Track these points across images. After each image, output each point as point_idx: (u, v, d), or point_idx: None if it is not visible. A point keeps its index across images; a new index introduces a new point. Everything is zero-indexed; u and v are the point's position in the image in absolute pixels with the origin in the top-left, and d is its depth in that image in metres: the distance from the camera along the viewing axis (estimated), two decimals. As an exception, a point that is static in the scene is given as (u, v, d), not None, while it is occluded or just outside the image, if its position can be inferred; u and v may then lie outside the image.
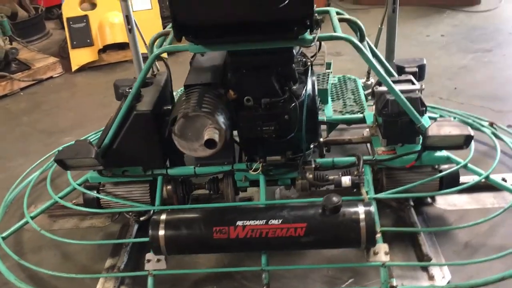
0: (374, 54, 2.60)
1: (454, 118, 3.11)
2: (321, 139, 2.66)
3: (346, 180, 2.33)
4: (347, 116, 2.91)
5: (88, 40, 4.97)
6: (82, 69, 5.04)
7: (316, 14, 2.28)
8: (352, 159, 2.44)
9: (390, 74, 2.66)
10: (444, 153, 2.38)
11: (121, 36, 4.85)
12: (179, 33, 2.01)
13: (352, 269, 2.32)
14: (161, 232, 2.12)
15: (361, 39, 2.48)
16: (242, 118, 2.28)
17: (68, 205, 2.61)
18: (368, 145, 2.83)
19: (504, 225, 2.48)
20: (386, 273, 2.10)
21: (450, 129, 2.22)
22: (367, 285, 2.24)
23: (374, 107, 2.65)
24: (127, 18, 2.99)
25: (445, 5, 5.63)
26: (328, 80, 3.00)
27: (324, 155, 2.68)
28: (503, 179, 2.60)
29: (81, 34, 4.96)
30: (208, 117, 2.08)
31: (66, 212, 2.85)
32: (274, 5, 1.89)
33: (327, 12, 2.50)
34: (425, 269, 2.26)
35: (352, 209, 2.09)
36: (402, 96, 2.27)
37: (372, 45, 2.67)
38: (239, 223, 2.09)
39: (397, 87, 2.31)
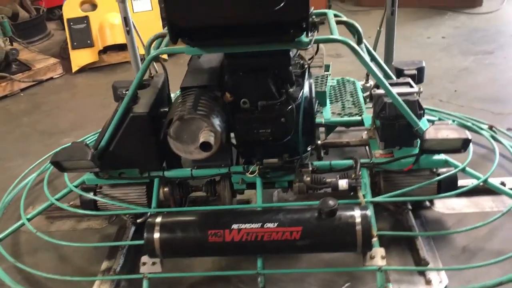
0: (372, 57, 2.58)
1: (453, 121, 3.09)
2: (319, 142, 2.66)
3: (343, 183, 2.32)
4: (346, 118, 2.89)
5: (89, 41, 4.97)
6: (83, 70, 5.05)
7: (314, 16, 2.28)
8: (350, 162, 2.42)
9: (388, 76, 2.65)
10: (442, 156, 2.37)
11: (122, 37, 4.82)
12: (175, 35, 2.00)
13: (349, 273, 2.30)
14: (156, 235, 2.12)
15: (359, 42, 2.47)
16: (239, 120, 2.28)
17: (64, 207, 2.61)
18: (367, 147, 2.81)
19: (502, 229, 2.46)
20: (383, 278, 2.08)
21: (447, 132, 2.21)
22: (364, 289, 2.23)
23: (372, 109, 2.64)
24: (125, 20, 2.97)
25: (446, 7, 5.62)
26: (326, 82, 2.99)
27: (322, 157, 2.68)
28: (502, 183, 2.58)
29: (82, 35, 4.96)
30: (204, 119, 2.07)
31: (64, 213, 2.84)
32: (269, 8, 1.88)
33: (325, 14, 2.48)
34: (422, 273, 2.24)
35: (348, 213, 2.08)
36: (400, 99, 2.25)
37: (370, 48, 2.65)
38: (235, 226, 2.08)
39: (395, 90, 2.30)
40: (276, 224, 2.07)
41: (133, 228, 2.64)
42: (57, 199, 2.66)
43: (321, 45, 2.90)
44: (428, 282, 2.19)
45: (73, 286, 2.37)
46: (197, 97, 2.14)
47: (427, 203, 2.65)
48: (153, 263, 2.22)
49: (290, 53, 2.28)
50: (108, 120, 2.47)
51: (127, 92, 2.36)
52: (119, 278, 2.34)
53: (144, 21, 4.52)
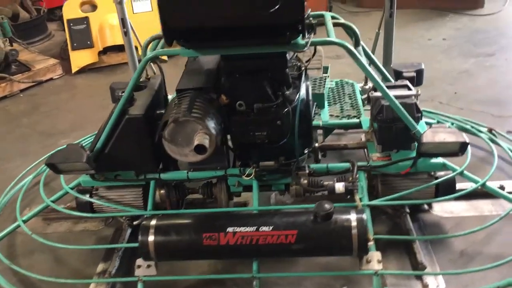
0: (370, 59, 2.57)
1: (452, 124, 3.07)
2: (317, 144, 2.65)
3: (339, 187, 2.31)
4: (344, 121, 2.88)
5: (89, 42, 4.97)
6: (82, 71, 5.04)
7: (311, 18, 2.27)
8: (347, 165, 2.41)
9: (386, 79, 2.64)
10: (440, 159, 2.35)
11: (122, 38, 4.82)
12: (169, 37, 1.99)
13: (345, 277, 2.28)
14: (151, 238, 2.11)
15: (356, 44, 2.45)
16: (234, 123, 2.26)
17: (59, 209, 2.59)
18: (365, 150, 2.79)
19: (501, 233, 2.44)
20: (379, 282, 2.07)
21: (445, 136, 2.19)
22: (360, 293, 2.21)
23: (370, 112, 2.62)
24: (123, 21, 2.96)
25: (448, 8, 5.59)
26: (325, 84, 2.97)
27: (320, 160, 2.66)
28: (501, 186, 2.55)
29: (82, 35, 4.95)
30: (199, 122, 2.06)
31: (60, 215, 2.82)
32: (265, 10, 1.86)
33: (322, 16, 2.47)
34: (419, 277, 2.22)
35: (344, 216, 2.06)
36: (397, 101, 2.24)
37: (368, 50, 2.64)
38: (230, 229, 2.07)
39: (392, 93, 2.28)
40: (271, 228, 2.05)
41: (129, 230, 2.63)
42: (53, 201, 2.65)
43: (319, 47, 2.88)
44: (425, 286, 2.18)
45: (68, 288, 2.37)
46: (192, 100, 2.13)
47: (426, 206, 2.63)
48: (148, 266, 2.20)
49: (287, 55, 2.26)
50: (105, 121, 2.47)
51: (123, 93, 2.34)
52: (114, 281, 2.33)
53: (144, 22, 4.50)
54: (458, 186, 2.48)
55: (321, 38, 2.21)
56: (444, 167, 2.37)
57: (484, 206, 2.61)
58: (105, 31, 4.97)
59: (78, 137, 3.59)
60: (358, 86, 3.24)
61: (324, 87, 2.95)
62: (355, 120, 2.84)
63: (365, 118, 2.76)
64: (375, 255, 2.11)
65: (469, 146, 2.49)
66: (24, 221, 2.60)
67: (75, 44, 4.97)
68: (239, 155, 2.48)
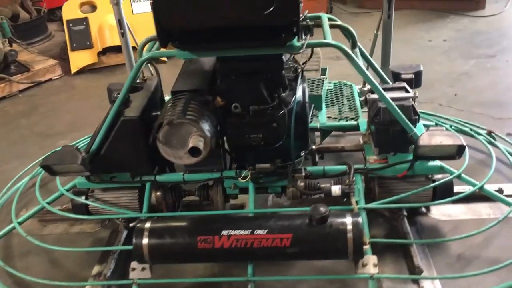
0: (368, 61, 2.55)
1: (451, 126, 3.05)
2: (314, 146, 2.63)
3: (336, 189, 2.29)
4: (341, 123, 2.86)
5: (88, 43, 4.96)
6: (82, 71, 5.03)
7: (307, 20, 2.26)
8: (343, 167, 2.39)
9: (384, 81, 2.62)
10: (437, 162, 2.33)
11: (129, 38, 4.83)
12: (164, 39, 1.98)
13: (341, 280, 2.27)
14: (145, 241, 2.09)
15: (353, 46, 2.44)
16: (230, 125, 2.25)
17: (54, 211, 2.58)
18: (364, 153, 2.78)
19: (499, 237, 2.42)
20: (375, 286, 2.05)
21: (441, 138, 2.17)
22: (356, 297, 2.20)
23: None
24: (119, 22, 2.95)
25: (449, 9, 5.57)
26: (322, 86, 2.96)
27: (317, 162, 2.65)
28: (500, 189, 2.54)
29: (81, 36, 4.95)
30: (193, 124, 2.04)
31: (56, 217, 2.81)
32: (259, 12, 1.85)
33: (319, 17, 2.45)
34: (416, 281, 2.21)
35: (340, 220, 2.04)
36: (394, 104, 2.22)
37: (366, 52, 2.62)
38: (224, 232, 2.05)
39: (389, 95, 2.27)
40: (266, 231, 2.04)
41: (125, 232, 2.62)
42: (49, 203, 2.64)
43: (318, 49, 2.88)
44: (422, 290, 2.16)
45: (63, 290, 2.36)
46: (187, 102, 2.12)
47: (423, 209, 2.61)
48: (143, 269, 2.19)
49: (283, 57, 2.24)
50: (100, 123, 2.46)
51: (118, 95, 2.33)
52: (108, 284, 2.32)
53: (144, 23, 4.49)
54: (456, 189, 2.47)
55: (317, 40, 2.19)
56: (441, 170, 2.35)
57: (482, 209, 2.59)
58: (104, 32, 4.96)
59: (76, 138, 3.58)
60: (356, 88, 3.22)
61: (322, 88, 2.94)
62: (353, 122, 2.82)
63: (363, 120, 2.74)
64: (371, 259, 2.09)
65: (467, 149, 2.49)
66: (20, 223, 2.59)
67: (74, 45, 4.96)
68: (235, 157, 2.46)
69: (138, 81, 2.72)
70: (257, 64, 2.18)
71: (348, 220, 2.04)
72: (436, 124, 3.04)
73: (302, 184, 2.38)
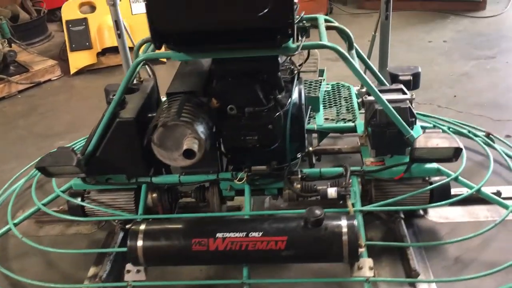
0: (365, 63, 2.54)
1: (449, 128, 3.03)
2: (311, 148, 2.62)
3: (332, 192, 2.28)
4: (338, 124, 2.85)
5: (87, 43, 4.95)
6: (81, 72, 5.02)
7: (304, 22, 2.25)
8: (340, 169, 2.38)
9: (381, 83, 2.61)
10: (434, 165, 2.32)
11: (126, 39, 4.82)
12: (158, 41, 1.97)
13: (337, 283, 2.26)
14: (139, 243, 2.09)
15: (350, 48, 2.43)
16: (225, 127, 2.24)
17: (50, 212, 2.58)
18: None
19: (496, 240, 2.40)
20: (371, 289, 2.04)
21: (438, 141, 2.16)
22: (352, 300, 2.19)
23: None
24: (116, 24, 2.94)
25: (449, 10, 5.55)
26: (320, 87, 2.94)
27: (314, 164, 2.64)
28: (498, 192, 2.52)
29: (80, 37, 4.94)
30: (188, 126, 2.03)
31: (53, 218, 2.80)
32: (254, 13, 1.84)
33: (315, 19, 2.44)
34: (412, 284, 2.20)
35: (335, 222, 2.03)
36: (390, 106, 2.21)
37: (363, 54, 2.61)
38: (219, 235, 2.04)
39: (386, 97, 2.26)
40: (261, 233, 2.03)
41: (121, 234, 2.61)
42: (44, 204, 2.63)
43: (316, 50, 2.86)
44: (418, 293, 2.15)
45: (59, 292, 2.35)
46: (182, 103, 2.11)
47: (421, 212, 2.60)
48: (138, 271, 2.19)
49: (279, 58, 2.24)
50: (96, 124, 2.45)
51: (114, 96, 2.33)
52: (104, 286, 2.31)
53: (143, 23, 4.43)
54: (454, 191, 2.46)
55: (312, 42, 2.18)
56: (438, 172, 2.34)
57: (480, 212, 2.58)
58: (103, 33, 4.95)
59: (74, 139, 3.57)
60: (354, 89, 3.20)
61: (319, 90, 2.92)
62: (350, 124, 2.81)
63: (360, 122, 2.73)
64: (366, 262, 2.08)
65: (464, 151, 2.47)
66: (15, 224, 2.59)
67: (73, 45, 4.95)
68: (231, 159, 2.45)
69: (135, 82, 2.72)
70: (253, 66, 2.17)
71: (344, 222, 2.03)
72: (434, 126, 3.02)
73: (299, 186, 2.38)
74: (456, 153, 2.18)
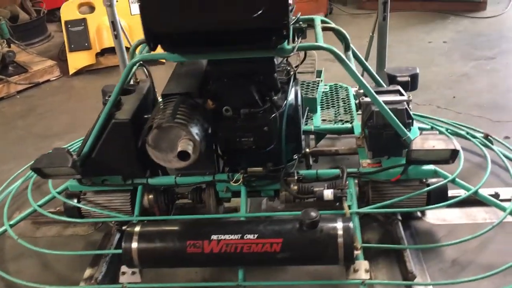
0: (362, 64, 2.52)
1: (447, 129, 3.02)
2: (308, 150, 2.61)
3: (328, 194, 2.27)
4: (336, 126, 2.83)
5: (86, 44, 4.94)
6: (80, 72, 5.01)
7: (300, 23, 2.24)
8: (336, 171, 2.37)
9: (379, 84, 2.60)
10: (431, 167, 2.31)
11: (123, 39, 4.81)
12: (152, 42, 1.96)
13: (333, 285, 2.25)
14: (134, 245, 2.08)
15: (346, 49, 2.41)
16: (221, 128, 2.24)
17: (45, 214, 2.57)
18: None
19: (494, 242, 2.39)
20: (366, 291, 2.03)
21: (434, 143, 2.15)
22: (348, 303, 2.18)
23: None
24: (113, 24, 2.94)
25: (449, 10, 5.52)
26: (317, 88, 2.93)
27: (311, 166, 2.63)
28: (496, 194, 2.51)
29: (79, 37, 4.93)
30: (182, 128, 2.02)
31: (49, 219, 2.79)
32: (248, 14, 1.83)
33: (312, 20, 2.43)
34: (409, 287, 2.19)
35: (331, 225, 2.02)
36: (386, 107, 2.20)
37: (360, 55, 2.59)
38: (214, 237, 2.03)
39: (383, 98, 2.25)
40: (256, 236, 2.02)
41: (118, 235, 2.60)
42: (41, 205, 2.63)
43: (313, 51, 2.85)
44: (414, 296, 2.14)
45: (55, 294, 2.34)
46: (176, 105, 2.10)
47: (418, 214, 2.59)
48: (133, 273, 2.18)
49: (275, 60, 2.22)
50: (92, 126, 2.44)
51: (109, 98, 2.32)
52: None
53: (142, 24, 4.47)
54: (453, 192, 2.45)
55: (308, 43, 2.17)
56: (435, 174, 2.32)
57: (478, 214, 2.56)
58: (102, 33, 4.94)
59: (73, 140, 3.57)
60: (352, 90, 3.19)
61: (316, 91, 2.91)
62: (347, 126, 2.79)
63: (358, 124, 2.72)
64: (362, 264, 2.07)
65: (461, 153, 2.46)
66: (11, 225, 2.58)
67: (72, 46, 4.95)
68: (227, 160, 2.44)
69: (131, 82, 2.71)
70: (248, 67, 2.16)
71: (339, 225, 2.02)
72: (432, 127, 3.01)
73: (296, 187, 2.37)
74: (453, 155, 2.17)
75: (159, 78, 2.71)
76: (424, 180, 2.35)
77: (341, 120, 2.89)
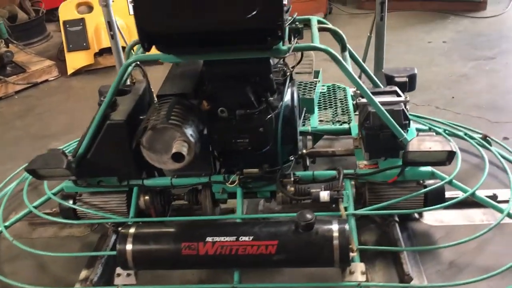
0: (359, 65, 2.51)
1: (444, 130, 3.00)
2: (304, 151, 2.60)
3: (324, 195, 2.26)
4: (333, 127, 2.82)
5: (84, 44, 4.93)
6: (78, 72, 4.99)
7: (297, 23, 2.22)
8: (333, 172, 2.36)
9: (376, 85, 2.58)
10: (428, 168, 2.29)
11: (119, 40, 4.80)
12: (146, 42, 1.94)
13: (330, 287, 2.24)
14: (129, 247, 2.07)
15: (343, 50, 2.40)
16: (216, 130, 2.22)
17: (40, 215, 2.56)
18: (356, 157, 2.74)
19: (492, 243, 2.37)
20: (362, 294, 2.02)
21: (431, 144, 2.13)
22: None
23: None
24: (109, 25, 2.93)
25: (449, 10, 5.50)
26: (315, 89, 2.92)
27: (308, 167, 2.62)
28: (494, 195, 2.50)
29: (77, 37, 4.92)
30: (177, 129, 2.01)
31: (46, 220, 2.78)
32: (242, 15, 1.82)
33: (308, 20, 2.41)
34: (405, 289, 2.18)
35: (326, 227, 2.01)
36: (383, 108, 2.18)
37: (357, 56, 2.58)
38: (209, 239, 2.02)
39: (379, 99, 2.23)
40: (251, 238, 2.01)
41: (114, 237, 2.59)
42: (36, 206, 2.62)
43: (311, 51, 2.84)
44: (411, 299, 2.12)
45: (50, 295, 2.33)
46: (171, 106, 2.09)
47: (416, 215, 2.57)
48: (128, 275, 2.17)
49: (271, 60, 2.21)
50: (88, 126, 2.43)
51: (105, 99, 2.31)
52: (94, 289, 2.29)
53: (140, 24, 4.45)
54: (451, 194, 2.43)
55: (304, 44, 2.16)
56: (432, 175, 2.31)
57: (476, 216, 2.55)
58: (100, 33, 4.92)
59: (68, 140, 3.56)
60: (350, 91, 3.17)
61: (314, 91, 2.90)
62: (345, 126, 2.78)
63: (355, 124, 2.71)
64: (358, 266, 2.06)
65: (459, 154, 2.45)
66: (6, 227, 2.57)
67: (70, 46, 4.93)
68: (223, 161, 2.43)
69: (128, 83, 2.70)
70: (244, 68, 2.15)
71: (335, 227, 2.01)
72: (430, 128, 2.99)
73: (292, 189, 2.35)
74: (449, 157, 2.15)
75: (158, 79, 2.68)
76: (421, 182, 2.34)
77: (339, 121, 2.87)
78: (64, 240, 2.73)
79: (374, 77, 2.56)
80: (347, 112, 2.93)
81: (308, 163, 2.64)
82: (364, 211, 2.27)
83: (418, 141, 2.15)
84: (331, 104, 3.06)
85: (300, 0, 5.28)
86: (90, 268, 2.43)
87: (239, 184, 2.33)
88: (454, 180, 2.30)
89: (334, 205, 2.28)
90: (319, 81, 3.06)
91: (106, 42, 4.90)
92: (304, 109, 2.78)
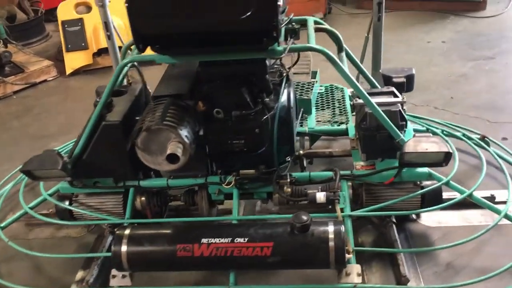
0: (356, 66, 2.50)
1: (442, 131, 2.99)
2: (301, 152, 2.59)
3: (320, 196, 2.25)
4: (330, 127, 2.81)
5: (83, 44, 4.93)
6: (77, 72, 4.99)
7: (293, 23, 2.21)
8: (329, 173, 2.35)
9: (373, 86, 2.57)
10: (425, 169, 2.28)
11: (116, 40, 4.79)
12: (141, 43, 1.93)
13: (325, 289, 2.23)
14: (124, 248, 2.06)
15: (339, 50, 2.39)
16: (212, 131, 2.21)
17: (36, 216, 2.56)
18: (354, 158, 2.73)
19: (489, 244, 2.37)
20: (358, 295, 2.01)
21: (427, 145, 2.12)
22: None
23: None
24: (106, 25, 2.92)
25: (449, 10, 5.48)
26: (312, 89, 2.91)
27: (305, 168, 2.60)
28: (492, 196, 2.49)
29: (76, 37, 4.92)
30: (172, 131, 2.00)
31: (42, 221, 2.79)
32: (237, 16, 1.81)
33: (305, 21, 2.40)
34: (401, 291, 2.16)
35: (322, 228, 2.00)
36: (379, 109, 2.17)
37: (354, 56, 2.57)
38: (204, 240, 2.01)
39: (376, 100, 2.22)
40: (246, 239, 2.00)
41: (110, 238, 2.58)
42: (32, 207, 2.61)
43: (308, 52, 2.82)
44: (407, 300, 2.11)
45: (45, 296, 2.33)
46: (166, 107, 2.07)
47: (413, 216, 2.56)
48: (123, 276, 2.17)
49: (267, 61, 2.20)
50: (83, 127, 2.42)
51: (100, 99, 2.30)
52: (89, 291, 2.29)
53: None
54: (448, 195, 2.41)
55: (300, 44, 2.15)
56: (430, 176, 2.30)
57: (473, 216, 2.54)
58: (99, 33, 4.91)
59: (66, 141, 3.55)
60: (348, 92, 3.16)
61: (311, 92, 2.89)
62: (342, 127, 2.77)
63: (352, 125, 2.70)
64: (354, 268, 2.05)
65: (456, 155, 2.44)
66: (2, 228, 2.56)
67: (69, 46, 4.93)
68: (219, 163, 2.42)
69: (125, 83, 2.69)
70: (240, 69, 2.15)
71: (331, 228, 1.99)
72: (427, 129, 2.98)
73: (289, 190, 2.34)
74: (446, 158, 2.14)
75: (156, 79, 2.68)
76: (418, 183, 2.33)
77: (336, 122, 2.86)
78: (60, 241, 2.72)
79: (371, 77, 2.55)
80: (345, 113, 2.92)
81: (305, 163, 2.63)
82: (361, 212, 2.26)
83: (415, 142, 2.14)
84: (329, 105, 3.05)
85: (300, 0, 5.27)
86: (86, 269, 2.42)
87: (235, 185, 2.32)
88: (451, 181, 2.29)
89: (330, 207, 2.26)
90: (316, 81, 3.05)
91: (104, 42, 4.85)
92: (302, 109, 2.76)
